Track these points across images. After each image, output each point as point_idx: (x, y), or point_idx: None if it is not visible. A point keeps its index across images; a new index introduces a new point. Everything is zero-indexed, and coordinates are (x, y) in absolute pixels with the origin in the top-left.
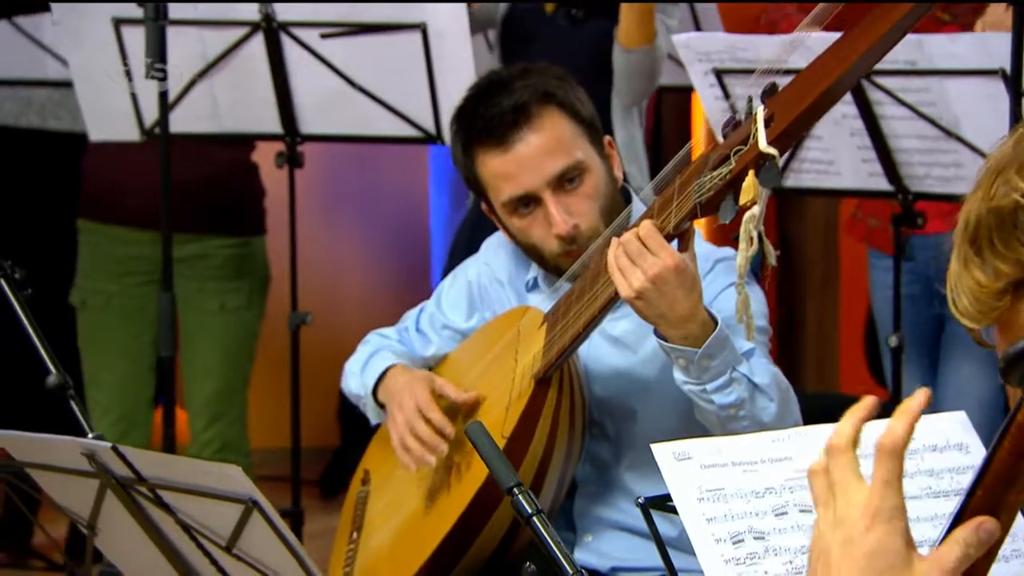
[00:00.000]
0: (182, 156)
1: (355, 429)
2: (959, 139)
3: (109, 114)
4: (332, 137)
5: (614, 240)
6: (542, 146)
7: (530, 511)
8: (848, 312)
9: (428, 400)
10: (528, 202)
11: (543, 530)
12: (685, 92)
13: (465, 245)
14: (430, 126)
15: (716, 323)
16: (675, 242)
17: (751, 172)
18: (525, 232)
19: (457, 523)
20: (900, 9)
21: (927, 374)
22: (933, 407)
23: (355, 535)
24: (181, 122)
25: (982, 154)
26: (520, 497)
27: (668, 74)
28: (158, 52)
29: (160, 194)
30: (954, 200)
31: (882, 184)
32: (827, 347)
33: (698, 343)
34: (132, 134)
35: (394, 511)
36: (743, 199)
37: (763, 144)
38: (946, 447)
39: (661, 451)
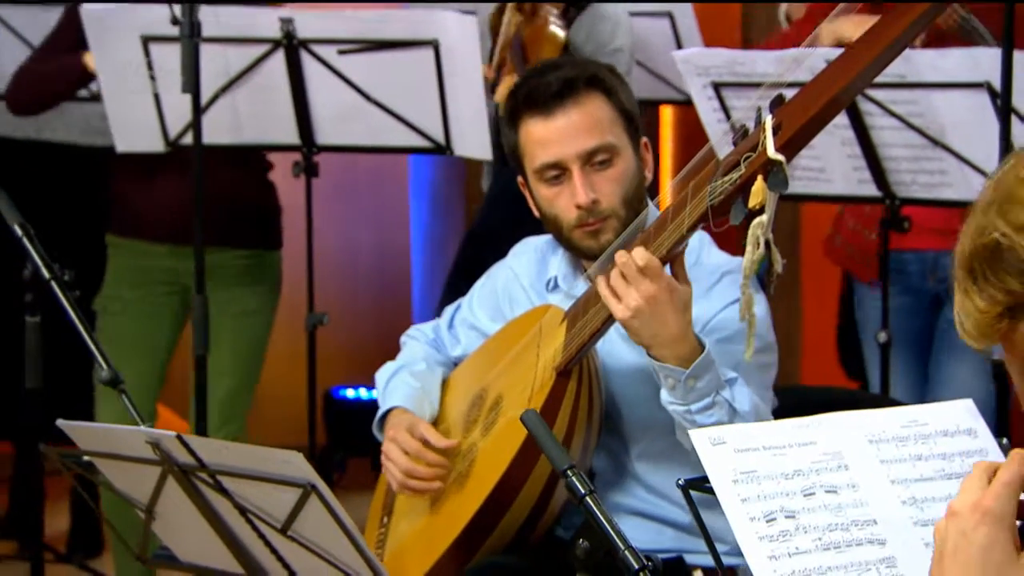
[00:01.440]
0: (204, 174)
1: (338, 429)
2: (945, 148)
3: (135, 126)
4: (347, 148)
5: (613, 262)
6: (580, 122)
7: (583, 491)
8: (810, 314)
9: (419, 448)
10: (558, 173)
11: (596, 508)
12: (654, 106)
13: (470, 259)
14: (440, 137)
15: (703, 347)
16: (667, 266)
17: (760, 177)
18: (549, 201)
19: (483, 506)
20: (899, 26)
21: (919, 377)
22: (895, 401)
23: (385, 519)
24: (204, 134)
25: (967, 162)
26: (574, 478)
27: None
28: (192, 68)
29: (193, 206)
30: (938, 205)
31: (871, 190)
32: (791, 346)
33: (686, 364)
34: (157, 145)
35: (424, 497)
36: (752, 202)
37: (771, 151)
38: (956, 432)
39: (698, 436)
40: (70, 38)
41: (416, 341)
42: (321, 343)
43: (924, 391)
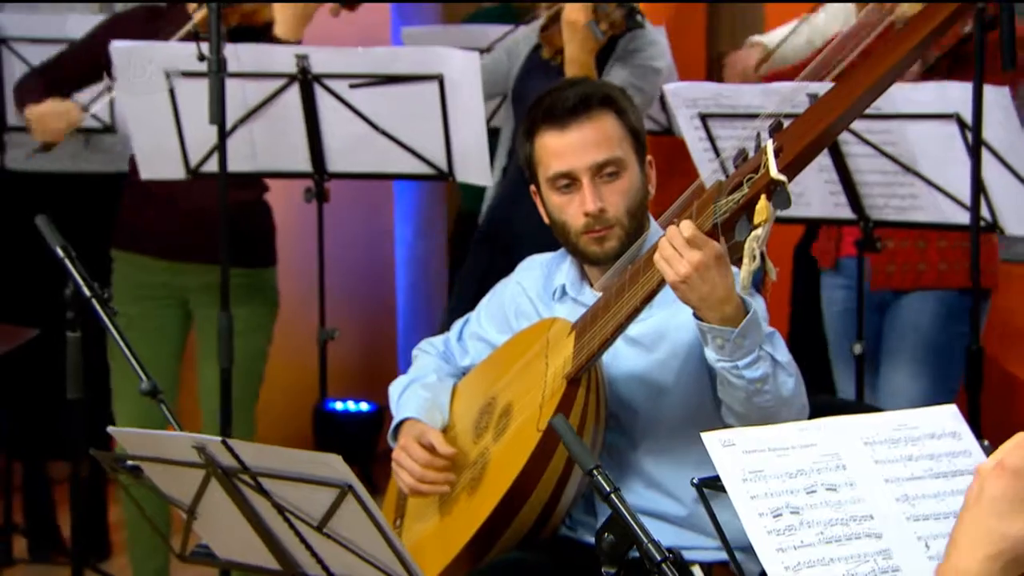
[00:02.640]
0: (202, 196)
1: (328, 439)
2: (916, 174)
3: (159, 155)
4: (356, 175)
5: (663, 234)
6: (592, 137)
7: (608, 489)
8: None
9: (427, 457)
10: (569, 182)
11: (620, 505)
12: None
13: (472, 297)
14: (443, 165)
15: (748, 307)
16: None
17: (763, 196)
18: (560, 208)
19: (498, 506)
20: (890, 61)
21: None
22: (874, 407)
23: (398, 522)
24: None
25: (936, 187)
26: (599, 477)
27: None
28: (219, 101)
29: (191, 224)
30: (910, 227)
31: (846, 213)
32: None
33: (733, 324)
34: (179, 173)
35: (435, 500)
36: (756, 219)
37: (774, 172)
38: (942, 434)
39: (710, 439)
40: (78, 65)
41: (427, 354)
42: (311, 358)
43: (874, 393)
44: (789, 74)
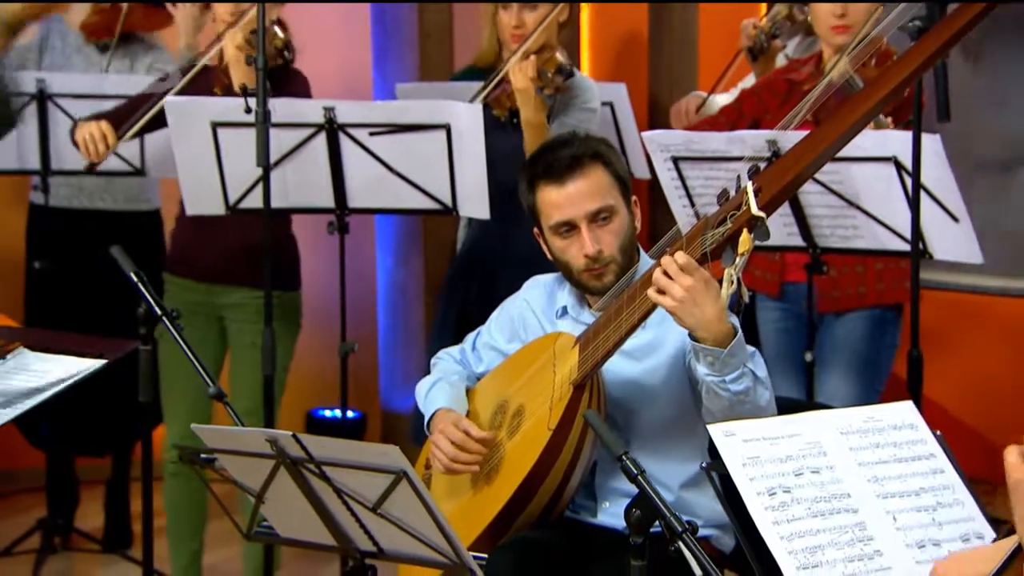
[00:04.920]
0: (237, 227)
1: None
2: (859, 208)
3: (203, 194)
4: (373, 210)
5: (653, 262)
6: (587, 189)
7: (636, 471)
8: None
9: (463, 438)
10: (569, 228)
11: (647, 485)
12: None
13: (455, 319)
14: (448, 201)
15: (736, 328)
16: None
17: (745, 230)
18: (562, 251)
19: (515, 492)
20: (858, 113)
21: (801, 387)
22: (828, 406)
23: None
24: (258, 199)
25: (876, 219)
26: (628, 462)
27: None
28: (264, 146)
29: (231, 252)
30: (852, 253)
31: (797, 241)
32: None
33: (723, 343)
34: (219, 209)
35: (457, 487)
36: (740, 249)
37: (755, 209)
38: (903, 426)
39: (715, 429)
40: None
41: (444, 361)
42: (303, 372)
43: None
44: (714, 119)
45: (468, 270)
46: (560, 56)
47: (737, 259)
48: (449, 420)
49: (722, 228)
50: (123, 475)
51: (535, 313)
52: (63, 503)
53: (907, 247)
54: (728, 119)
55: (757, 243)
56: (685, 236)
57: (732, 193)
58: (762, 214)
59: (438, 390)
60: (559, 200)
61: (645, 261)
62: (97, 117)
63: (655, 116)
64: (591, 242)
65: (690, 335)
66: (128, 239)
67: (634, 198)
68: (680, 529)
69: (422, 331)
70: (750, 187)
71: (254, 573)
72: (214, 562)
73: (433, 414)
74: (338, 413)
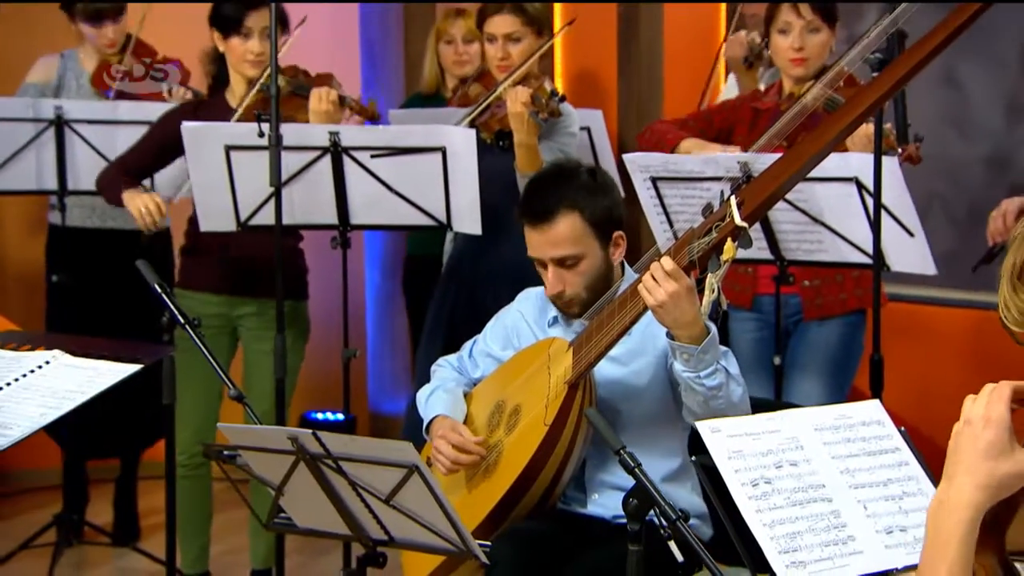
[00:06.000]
0: (251, 243)
1: None
2: (822, 224)
3: (216, 212)
4: (373, 226)
5: (637, 276)
6: (556, 237)
7: (633, 464)
8: None
9: (462, 441)
10: (542, 264)
11: (643, 477)
12: None
13: (443, 328)
14: (443, 218)
15: (709, 329)
16: None
17: (730, 239)
18: (539, 275)
19: (512, 485)
20: (831, 135)
21: (770, 391)
22: (798, 405)
23: None
24: (267, 217)
25: (838, 234)
26: (625, 456)
27: None
28: (276, 168)
29: (243, 266)
30: (816, 265)
31: (766, 254)
32: None
33: (697, 342)
34: (231, 225)
35: (457, 481)
36: (725, 256)
37: (739, 220)
38: (871, 422)
39: (702, 426)
40: (152, 145)
41: (444, 369)
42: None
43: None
44: (683, 121)
45: (455, 282)
46: (547, 84)
47: (722, 265)
48: (447, 426)
49: (708, 238)
50: (131, 474)
51: (528, 323)
52: (76, 500)
53: (866, 259)
54: (697, 125)
55: (740, 250)
56: (674, 244)
57: (716, 206)
58: (745, 224)
59: (436, 398)
60: (533, 241)
61: (629, 276)
62: (123, 164)
63: (624, 140)
64: (553, 283)
65: (668, 334)
66: (139, 256)
67: (616, 235)
68: (674, 516)
69: (407, 339)
70: (733, 200)
71: (259, 561)
72: (219, 551)
73: (432, 420)
74: (329, 415)
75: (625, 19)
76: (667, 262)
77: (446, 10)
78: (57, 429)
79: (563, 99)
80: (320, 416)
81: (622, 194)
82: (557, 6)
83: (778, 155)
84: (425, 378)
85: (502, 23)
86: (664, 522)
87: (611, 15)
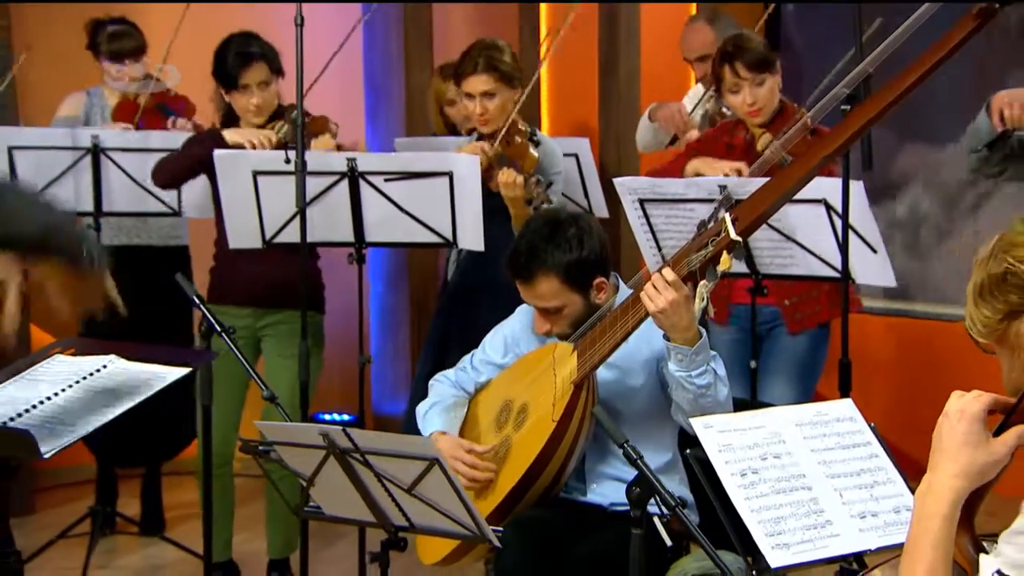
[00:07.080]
0: (275, 261)
1: None
2: (794, 241)
3: (244, 230)
4: (387, 244)
5: (631, 292)
6: (537, 293)
7: (636, 456)
8: None
9: (474, 460)
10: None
11: (645, 467)
12: None
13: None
14: (449, 235)
15: (702, 333)
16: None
17: (725, 252)
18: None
19: (522, 477)
20: (814, 161)
21: (744, 391)
22: (771, 404)
23: None
24: (289, 235)
25: (808, 251)
26: (629, 448)
27: None
28: (302, 191)
29: (269, 280)
30: (787, 279)
31: (743, 268)
32: None
33: (690, 344)
34: (257, 243)
35: None
36: (721, 267)
37: (733, 235)
38: (845, 419)
39: (696, 422)
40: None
41: (441, 384)
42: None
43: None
44: (672, 163)
45: (457, 297)
46: (523, 125)
47: (718, 276)
48: (452, 443)
49: (704, 251)
50: (156, 470)
51: (527, 334)
52: (108, 494)
53: (834, 273)
54: (680, 163)
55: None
56: (672, 257)
57: (711, 223)
58: (739, 239)
59: (434, 413)
60: (520, 289)
61: (624, 292)
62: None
63: (605, 163)
64: (540, 324)
65: (664, 336)
66: (162, 271)
67: (598, 281)
68: (674, 504)
69: (408, 346)
70: (728, 217)
71: (276, 551)
72: (238, 541)
73: (431, 434)
74: (336, 416)
75: (606, 55)
76: (668, 273)
77: (440, 75)
78: (89, 439)
79: (551, 183)
80: (328, 417)
81: (604, 237)
82: (544, 6)
83: (757, 180)
84: (423, 385)
85: (477, 82)
86: (664, 509)
87: (592, 52)
